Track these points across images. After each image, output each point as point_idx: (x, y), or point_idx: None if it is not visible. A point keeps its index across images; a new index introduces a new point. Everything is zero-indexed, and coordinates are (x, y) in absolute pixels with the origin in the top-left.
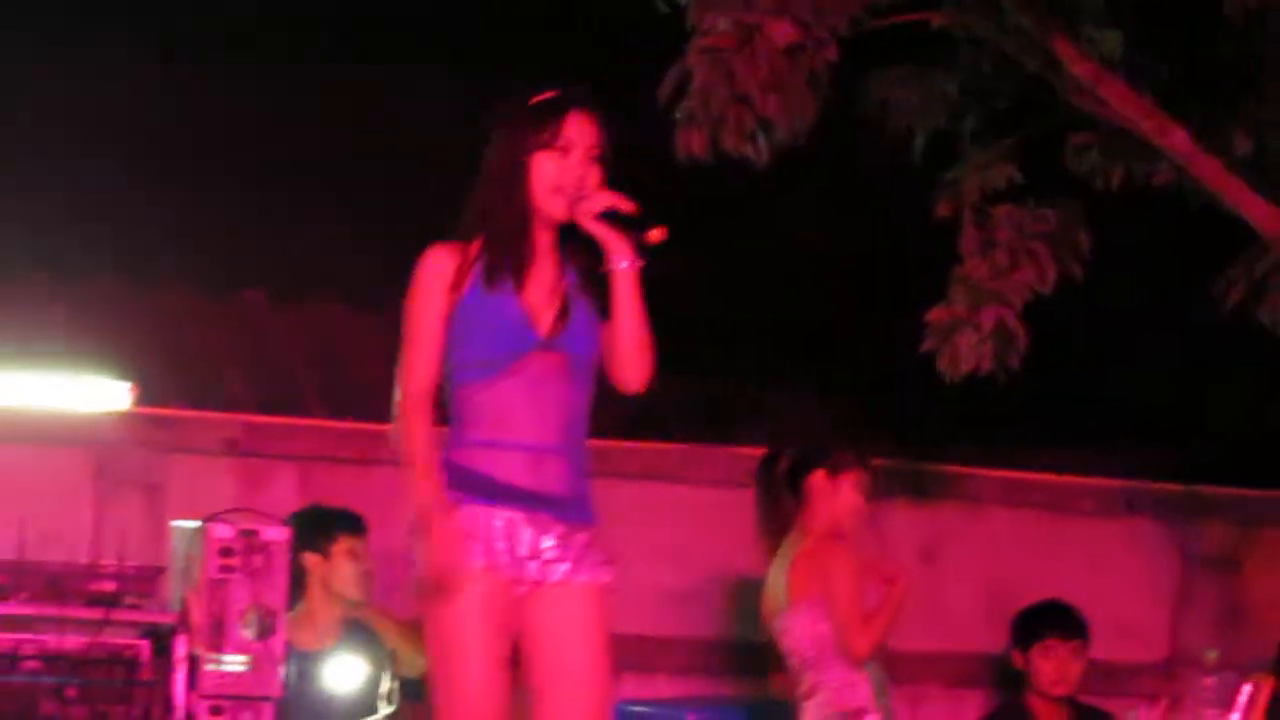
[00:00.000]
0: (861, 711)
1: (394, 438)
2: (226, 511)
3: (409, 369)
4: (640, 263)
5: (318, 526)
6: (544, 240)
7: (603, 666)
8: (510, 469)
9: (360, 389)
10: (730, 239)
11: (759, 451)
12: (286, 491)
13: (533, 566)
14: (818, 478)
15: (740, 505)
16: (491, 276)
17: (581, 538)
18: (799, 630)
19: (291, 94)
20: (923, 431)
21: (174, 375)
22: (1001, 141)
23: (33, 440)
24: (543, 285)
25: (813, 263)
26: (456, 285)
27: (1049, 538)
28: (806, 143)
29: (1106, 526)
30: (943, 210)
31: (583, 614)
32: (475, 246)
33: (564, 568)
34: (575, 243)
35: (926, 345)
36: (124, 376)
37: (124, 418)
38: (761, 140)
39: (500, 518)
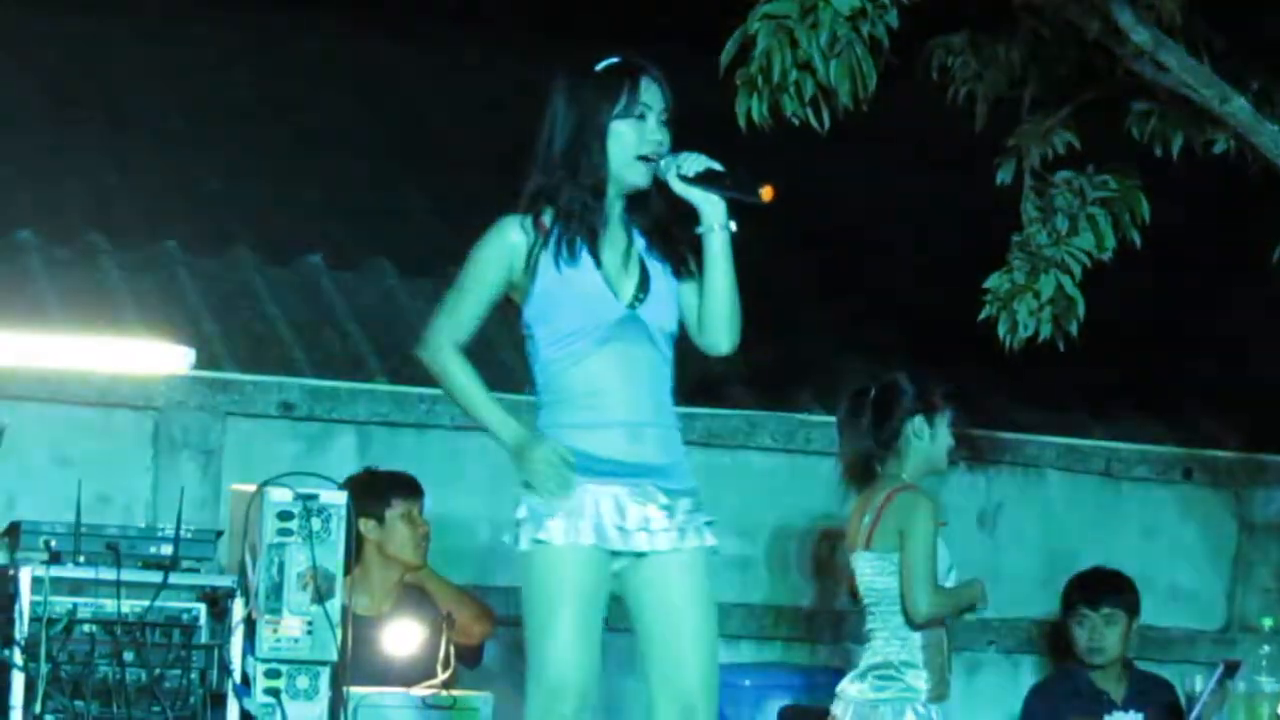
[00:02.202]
0: (906, 665)
1: (437, 377)
2: (285, 475)
3: (451, 318)
4: (734, 225)
5: (372, 491)
6: (615, 207)
7: (711, 630)
8: (610, 445)
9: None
10: (790, 204)
11: (816, 417)
12: (345, 455)
13: (641, 538)
14: (916, 421)
15: (799, 471)
16: (569, 250)
17: (685, 503)
18: (867, 575)
19: (354, 61)
20: (981, 398)
21: (233, 339)
22: (1062, 108)
23: (91, 403)
24: (617, 253)
25: (873, 229)
26: (530, 263)
27: (1106, 504)
28: (868, 109)
29: (1164, 493)
30: (1003, 176)
31: (690, 579)
32: (545, 219)
33: (672, 535)
34: (641, 206)
35: (986, 311)
36: (183, 340)
37: (183, 381)
38: (822, 106)
39: (607, 494)
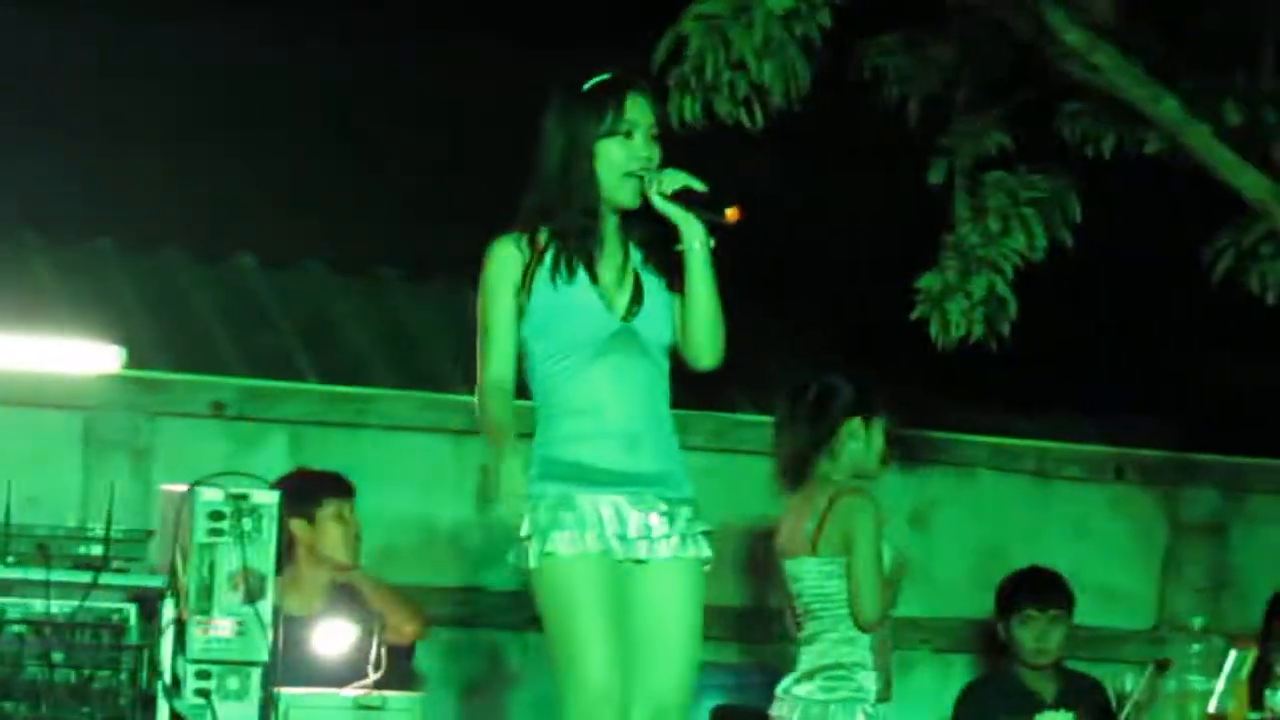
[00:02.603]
0: (858, 666)
1: (478, 423)
2: (216, 475)
3: (485, 361)
4: (713, 242)
5: (303, 492)
6: (609, 222)
7: (696, 641)
8: (608, 455)
9: (351, 353)
10: (721, 203)
11: (749, 417)
12: (277, 455)
13: (642, 546)
14: (853, 424)
15: (729, 470)
16: (567, 270)
17: (685, 511)
18: (814, 580)
19: (289, 61)
20: (913, 397)
21: (164, 338)
22: (994, 108)
23: (21, 403)
24: (612, 268)
25: (804, 228)
26: (526, 280)
27: (1038, 504)
28: (801, 109)
29: (1095, 492)
30: (935, 176)
31: (686, 589)
32: (541, 237)
33: (672, 544)
34: (637, 220)
35: (917, 311)
36: (114, 339)
37: (113, 381)
38: (755, 106)
39: (608, 504)
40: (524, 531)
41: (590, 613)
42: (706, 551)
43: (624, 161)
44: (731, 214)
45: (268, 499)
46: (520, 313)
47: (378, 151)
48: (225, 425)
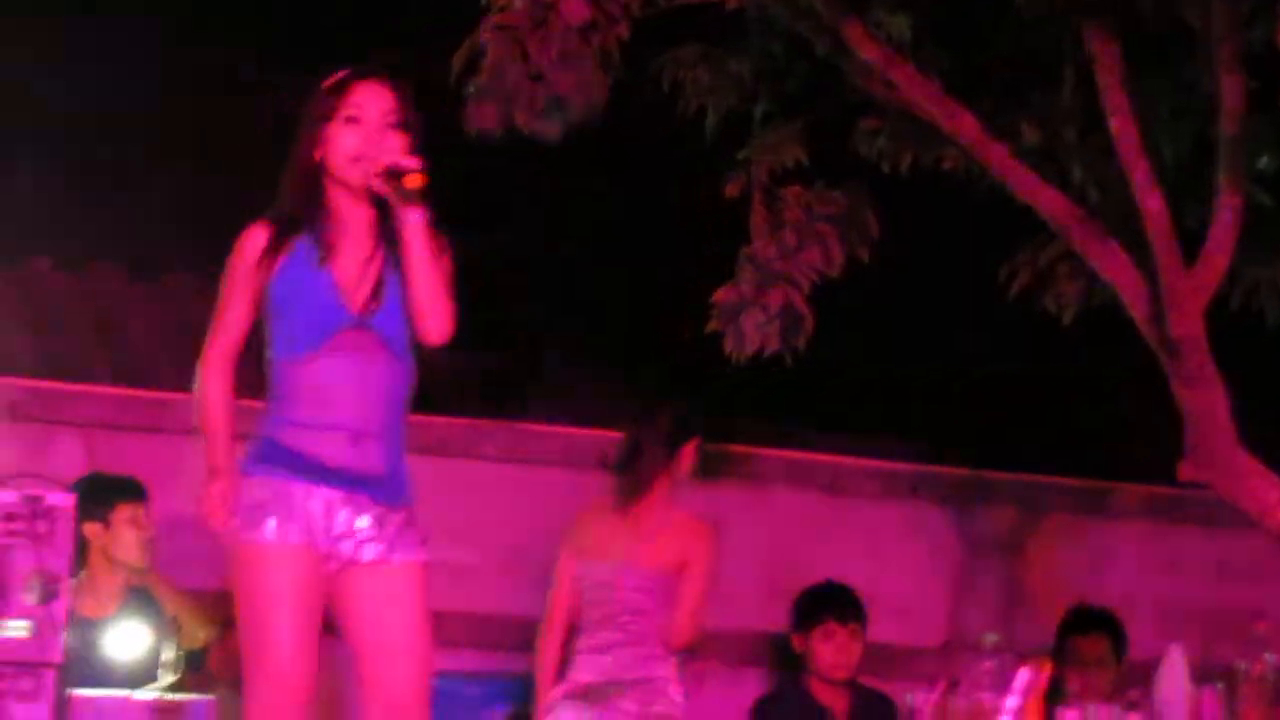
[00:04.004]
0: (668, 681)
1: (193, 402)
2: (10, 477)
3: (213, 334)
4: (427, 214)
5: (97, 495)
6: (360, 215)
7: (424, 642)
8: (330, 449)
9: (143, 357)
10: (518, 214)
11: (542, 427)
12: (70, 458)
13: (347, 545)
14: (693, 445)
15: (522, 481)
16: (306, 254)
17: (397, 518)
18: (624, 588)
19: (94, 60)
20: (708, 410)
21: None
22: (792, 123)
23: None
24: (357, 261)
25: (601, 239)
26: (269, 262)
27: (832, 519)
28: (599, 120)
29: (890, 509)
30: (732, 190)
31: (402, 592)
32: (287, 223)
33: (378, 548)
34: (390, 215)
35: (713, 325)
36: None
37: None
38: (554, 117)
39: (319, 497)
40: (243, 504)
41: (283, 602)
42: (419, 555)
43: (351, 147)
44: (411, 180)
45: (63, 501)
46: (261, 294)
47: (171, 155)
48: (18, 427)
